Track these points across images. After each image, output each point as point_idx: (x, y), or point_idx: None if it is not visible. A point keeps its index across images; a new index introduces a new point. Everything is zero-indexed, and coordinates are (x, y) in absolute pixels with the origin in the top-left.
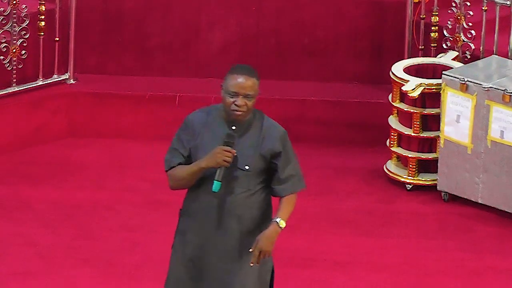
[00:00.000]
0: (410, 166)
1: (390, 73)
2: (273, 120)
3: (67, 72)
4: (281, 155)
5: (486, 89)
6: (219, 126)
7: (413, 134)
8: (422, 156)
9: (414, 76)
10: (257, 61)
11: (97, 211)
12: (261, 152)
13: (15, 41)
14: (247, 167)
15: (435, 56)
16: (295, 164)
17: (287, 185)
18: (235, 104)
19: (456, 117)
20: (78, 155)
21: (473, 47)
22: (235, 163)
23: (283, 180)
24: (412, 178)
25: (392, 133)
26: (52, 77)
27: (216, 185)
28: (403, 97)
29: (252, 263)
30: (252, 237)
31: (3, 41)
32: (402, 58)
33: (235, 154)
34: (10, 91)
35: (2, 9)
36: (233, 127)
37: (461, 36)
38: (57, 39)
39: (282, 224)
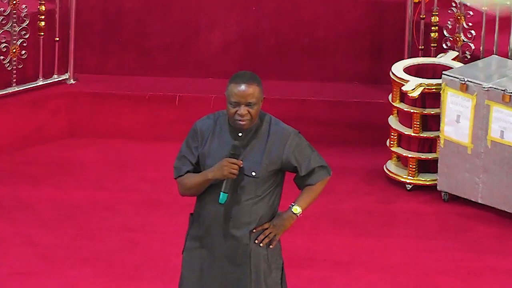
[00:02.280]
0: (410, 166)
1: (390, 73)
2: (282, 123)
3: (67, 72)
4: (294, 158)
5: (486, 89)
6: (226, 133)
7: (413, 134)
8: (422, 156)
9: (414, 76)
10: (257, 61)
11: (97, 211)
12: (269, 158)
13: (15, 41)
14: (254, 174)
15: (435, 56)
16: (314, 157)
17: (311, 178)
18: (238, 114)
19: (456, 117)
20: (78, 155)
21: (473, 47)
22: (242, 170)
23: (306, 176)
24: (412, 178)
25: (392, 133)
26: (52, 77)
27: (222, 197)
28: (403, 97)
29: (256, 240)
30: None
31: (3, 41)
32: (402, 58)
33: (242, 165)
34: (10, 91)
35: (2, 9)
36: (240, 134)
37: (461, 36)
38: (57, 39)
39: (296, 210)
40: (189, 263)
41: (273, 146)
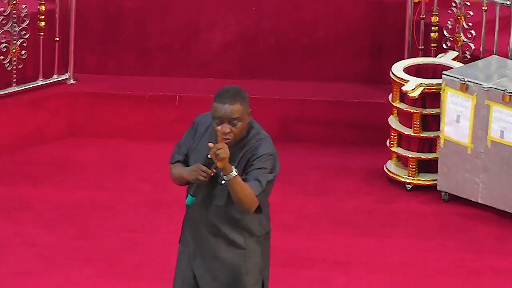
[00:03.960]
0: (410, 166)
1: (390, 73)
2: (267, 141)
3: (67, 72)
4: (252, 163)
5: (486, 89)
6: (215, 136)
7: (413, 134)
8: (422, 156)
9: (414, 76)
10: (257, 61)
11: (97, 211)
12: (240, 167)
13: (15, 41)
14: (223, 182)
15: (435, 56)
16: (266, 175)
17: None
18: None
19: (456, 117)
20: (78, 155)
21: (473, 47)
22: (216, 177)
23: (245, 178)
24: (412, 178)
25: (392, 133)
26: (52, 77)
27: (189, 199)
28: (403, 97)
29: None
30: (238, 248)
31: (3, 41)
32: (402, 58)
33: (213, 174)
34: (10, 91)
35: (2, 9)
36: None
37: (461, 36)
38: (57, 39)
39: (234, 172)
40: (181, 263)
41: (246, 155)
